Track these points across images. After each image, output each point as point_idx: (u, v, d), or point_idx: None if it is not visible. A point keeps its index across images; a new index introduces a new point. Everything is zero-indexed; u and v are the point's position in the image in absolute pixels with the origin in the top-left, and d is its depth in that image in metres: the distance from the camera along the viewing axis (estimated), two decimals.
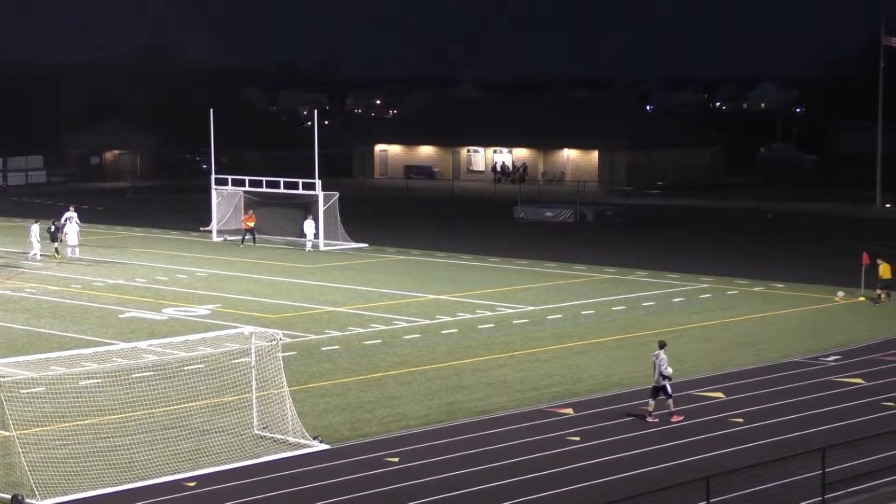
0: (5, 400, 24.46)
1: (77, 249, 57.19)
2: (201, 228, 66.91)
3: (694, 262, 55.28)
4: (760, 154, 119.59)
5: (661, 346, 29.21)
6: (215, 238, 64.60)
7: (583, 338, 38.75)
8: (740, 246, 62.93)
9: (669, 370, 28.79)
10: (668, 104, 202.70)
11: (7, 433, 24.97)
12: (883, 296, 44.82)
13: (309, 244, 60.75)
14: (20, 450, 24.14)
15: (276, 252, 59.84)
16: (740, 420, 28.63)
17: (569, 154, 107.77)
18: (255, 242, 61.93)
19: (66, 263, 55.24)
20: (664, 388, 28.69)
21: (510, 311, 43.44)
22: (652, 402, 28.80)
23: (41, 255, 56.22)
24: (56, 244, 56.84)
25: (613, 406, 30.14)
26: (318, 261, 56.94)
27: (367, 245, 61.63)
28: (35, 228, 56.94)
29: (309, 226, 60.93)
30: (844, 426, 28.01)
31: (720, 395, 31.07)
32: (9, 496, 23.24)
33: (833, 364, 34.92)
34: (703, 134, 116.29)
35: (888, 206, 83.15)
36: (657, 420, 28.59)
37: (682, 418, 28.65)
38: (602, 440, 27.16)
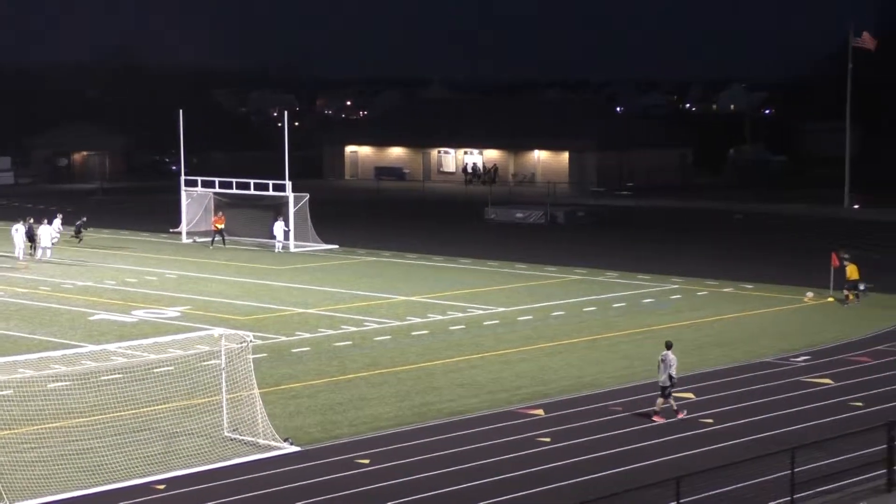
0: None
1: (49, 251, 56.75)
2: (171, 230, 66.66)
3: (664, 263, 55.44)
4: (730, 155, 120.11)
5: (668, 346, 29.24)
6: (185, 240, 64.39)
7: (553, 339, 38.80)
8: (710, 247, 63.16)
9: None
10: (638, 106, 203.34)
11: None
12: (851, 296, 45.07)
13: (279, 246, 60.59)
14: None
15: (246, 253, 59.67)
16: (710, 420, 28.73)
17: (539, 155, 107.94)
18: (224, 244, 61.72)
19: (35, 265, 54.91)
20: (667, 388, 28.77)
21: (481, 312, 43.46)
22: (661, 401, 28.90)
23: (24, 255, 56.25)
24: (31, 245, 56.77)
25: (584, 407, 30.18)
26: (289, 262, 56.82)
27: (337, 246, 61.55)
28: (20, 229, 56.97)
29: (279, 227, 60.77)
30: (813, 426, 28.15)
31: (690, 395, 31.16)
32: None
33: (802, 364, 35.08)
34: (673, 135, 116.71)
35: (856, 206, 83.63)
36: (664, 420, 28.67)
37: (664, 420, 28.73)
38: (573, 441, 27.19)
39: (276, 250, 60.07)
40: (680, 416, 28.86)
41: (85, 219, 63.49)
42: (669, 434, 27.68)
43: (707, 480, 22.46)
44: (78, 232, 62.40)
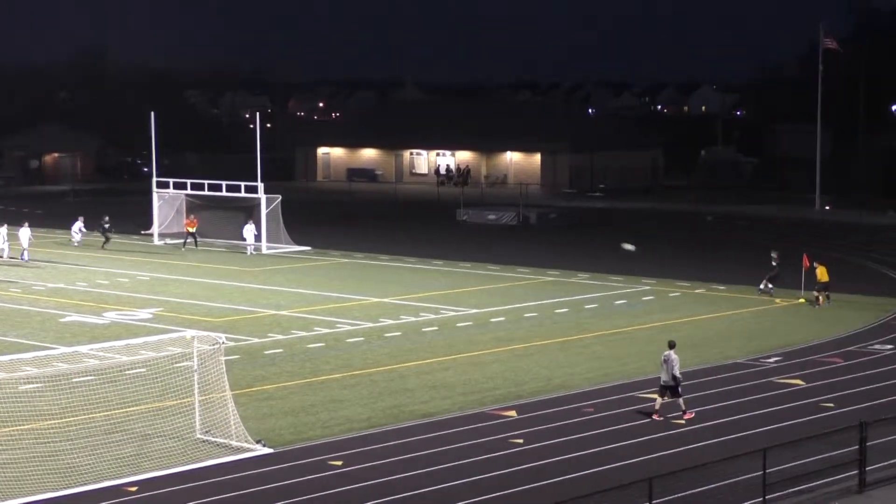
0: None
1: (26, 253, 56.35)
2: (142, 232, 66.45)
3: (636, 264, 55.59)
4: (701, 157, 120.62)
5: (671, 346, 29.29)
6: (157, 241, 64.19)
7: (526, 340, 38.87)
8: (682, 248, 63.42)
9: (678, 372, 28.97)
10: (610, 107, 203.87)
11: None
12: (821, 298, 45.32)
13: (250, 248, 60.42)
14: None
15: (218, 255, 59.53)
16: (682, 421, 28.82)
17: (511, 157, 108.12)
18: (196, 246, 61.57)
19: (7, 266, 54.67)
20: (674, 388, 28.84)
21: (453, 313, 43.49)
22: (659, 400, 28.99)
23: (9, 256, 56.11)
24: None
25: (557, 408, 30.24)
26: (261, 264, 56.73)
27: (310, 248, 61.49)
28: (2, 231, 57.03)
29: (248, 231, 60.56)
30: (785, 427, 28.29)
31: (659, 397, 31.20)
32: None
33: (774, 365, 35.25)
34: (645, 137, 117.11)
35: (827, 208, 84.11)
36: (662, 419, 28.76)
37: (692, 415, 28.81)
38: (546, 442, 27.24)
39: (248, 253, 59.91)
40: (687, 416, 28.86)
41: (107, 218, 62.85)
42: (642, 435, 27.77)
43: (679, 481, 22.58)
44: (104, 233, 62.23)
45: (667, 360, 28.96)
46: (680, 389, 29.04)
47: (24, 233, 56.54)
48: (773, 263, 47.61)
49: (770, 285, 47.50)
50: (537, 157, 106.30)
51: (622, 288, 49.40)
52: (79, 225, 62.47)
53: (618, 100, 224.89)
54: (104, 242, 61.73)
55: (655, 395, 29.51)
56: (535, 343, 38.48)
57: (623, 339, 39.07)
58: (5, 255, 56.23)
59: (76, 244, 61.83)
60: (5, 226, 57.70)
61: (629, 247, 54.49)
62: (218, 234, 63.35)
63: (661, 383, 29.16)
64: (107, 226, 62.34)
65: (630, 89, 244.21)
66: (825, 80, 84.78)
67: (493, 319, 42.49)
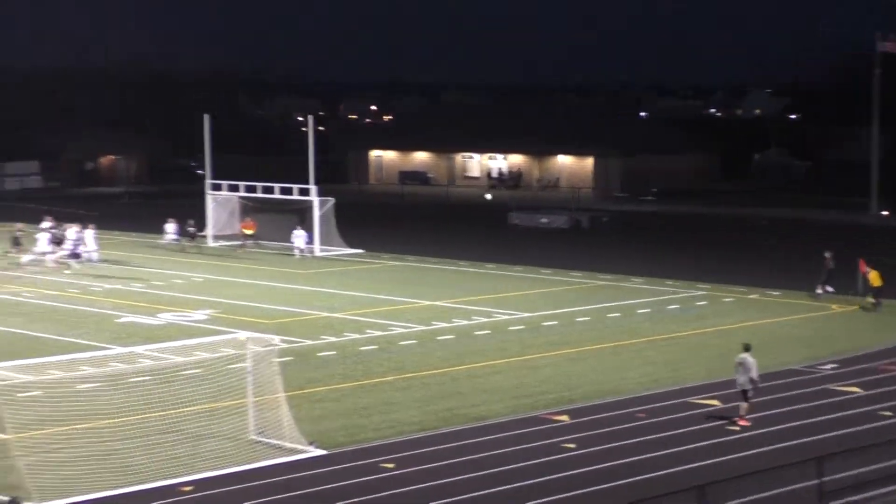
0: (3, 403, 24.47)
1: (50, 256, 56.39)
2: (197, 234, 66.89)
3: (689, 268, 55.32)
4: (754, 161, 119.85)
5: (747, 349, 29.10)
6: (211, 243, 64.60)
7: (578, 345, 38.79)
8: (735, 253, 63.03)
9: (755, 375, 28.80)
10: (662, 110, 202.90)
11: (5, 436, 24.96)
12: (874, 303, 44.91)
13: (297, 253, 60.29)
14: (18, 453, 24.13)
15: (272, 258, 59.83)
16: (737, 428, 28.65)
17: (564, 160, 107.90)
18: (250, 248, 61.93)
19: (66, 268, 55.18)
20: (744, 392, 28.69)
21: (506, 317, 43.47)
22: (744, 405, 28.81)
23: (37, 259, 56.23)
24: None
25: (609, 413, 30.15)
26: (314, 266, 56.95)
27: (362, 251, 61.65)
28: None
29: (297, 236, 60.49)
30: (842, 435, 28.02)
31: (716, 402, 31.08)
32: (7, 498, 23.25)
33: (830, 372, 34.94)
34: (698, 140, 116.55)
35: (884, 213, 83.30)
36: (749, 423, 28.59)
37: (748, 423, 28.66)
38: (597, 447, 27.16)
39: (297, 256, 59.78)
40: (742, 423, 28.66)
41: (192, 221, 63.01)
42: (695, 441, 27.62)
43: (733, 488, 22.44)
44: (194, 238, 62.54)
45: (743, 364, 28.73)
46: (750, 394, 28.79)
47: (89, 234, 56.91)
48: (827, 265, 47.15)
49: (829, 287, 46.92)
50: (589, 161, 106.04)
51: (675, 292, 49.17)
52: (172, 227, 62.02)
53: (670, 103, 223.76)
54: (190, 244, 61.85)
55: (714, 402, 29.31)
56: (588, 347, 38.38)
57: (676, 344, 38.89)
58: (95, 258, 56.07)
59: (169, 244, 61.67)
60: (78, 227, 57.76)
61: (488, 196, 54.37)
62: (272, 236, 63.64)
63: (739, 387, 28.86)
64: (192, 229, 62.41)
65: (682, 92, 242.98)
66: (882, 82, 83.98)
67: (545, 323, 42.43)
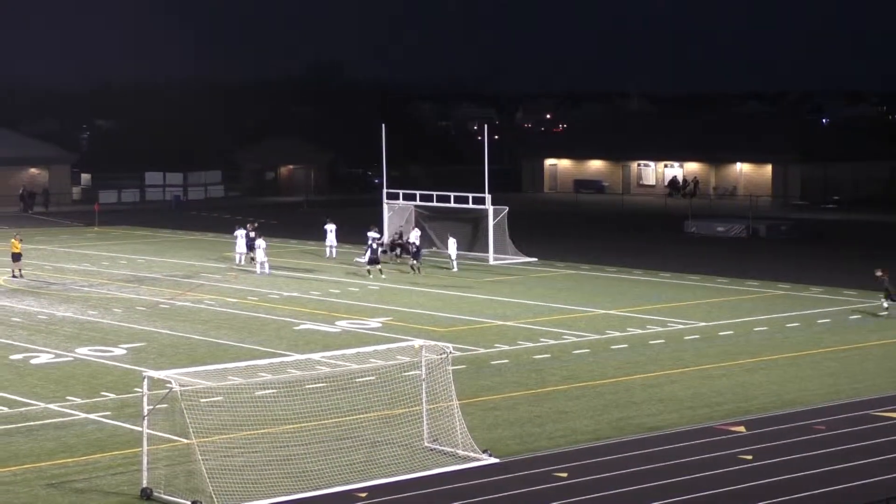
0: (186, 409, 25.17)
1: (266, 265, 57.37)
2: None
3: (872, 278, 53.81)
4: None
5: None
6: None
7: (755, 355, 38.15)
8: None
9: None
10: (845, 116, 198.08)
11: (188, 441, 25.68)
12: None
13: (454, 264, 58.87)
14: (200, 457, 24.81)
15: (445, 266, 60.20)
16: None
17: (741, 168, 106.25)
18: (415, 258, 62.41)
19: (245, 275, 56.49)
20: None
21: (681, 326, 43.01)
22: None
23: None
24: (252, 253, 58.25)
25: (787, 424, 29.59)
26: (487, 275, 57.17)
27: (536, 259, 61.66)
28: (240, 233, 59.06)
29: (452, 245, 59.24)
30: None
31: None
32: (189, 502, 23.91)
33: None
34: (881, 147, 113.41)
35: None
36: None
37: None
38: (775, 459, 26.67)
39: (453, 269, 58.72)
40: None
41: (401, 229, 62.43)
42: (879, 454, 26.89)
43: None
44: (406, 250, 60.96)
45: None
46: None
47: (259, 244, 58.00)
48: None
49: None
50: (768, 169, 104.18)
51: (857, 302, 47.97)
52: (373, 235, 58.89)
53: (852, 109, 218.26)
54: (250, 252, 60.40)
55: (895, 415, 28.53)
56: (765, 357, 37.73)
57: (857, 355, 37.94)
58: (266, 268, 57.04)
59: (367, 259, 57.95)
60: (242, 229, 59.64)
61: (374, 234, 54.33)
62: (445, 245, 63.97)
63: None
64: (375, 245, 59.62)
65: (865, 98, 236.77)
66: None
67: (721, 333, 41.84)
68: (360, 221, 66.76)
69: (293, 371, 32.05)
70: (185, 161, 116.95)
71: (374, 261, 55.75)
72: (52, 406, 31.78)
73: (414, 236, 60.59)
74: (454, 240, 59.91)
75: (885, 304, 45.05)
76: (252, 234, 59.04)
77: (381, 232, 61.21)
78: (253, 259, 57.88)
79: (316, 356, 33.03)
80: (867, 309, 46.22)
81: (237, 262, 59.97)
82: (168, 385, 24.64)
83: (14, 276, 55.62)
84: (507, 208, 62.40)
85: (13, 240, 56.51)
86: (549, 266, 59.83)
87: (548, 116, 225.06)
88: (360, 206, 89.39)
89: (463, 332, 41.99)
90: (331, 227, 62.30)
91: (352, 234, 65.94)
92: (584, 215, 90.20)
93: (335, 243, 62.29)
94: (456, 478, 25.57)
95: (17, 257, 55.83)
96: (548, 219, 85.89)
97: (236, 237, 60.70)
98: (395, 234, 63.25)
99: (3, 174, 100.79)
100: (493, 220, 61.49)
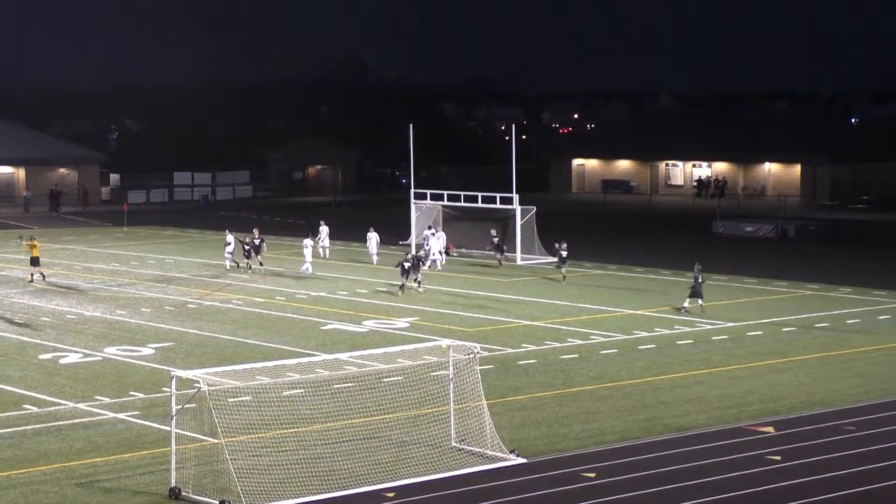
0: (214, 408, 25.24)
1: (309, 266, 56.98)
2: (400, 243, 67.77)
3: None
4: None
5: None
6: (415, 252, 65.29)
7: (784, 355, 38.00)
8: None
9: None
10: (874, 116, 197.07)
11: (216, 440, 25.76)
12: None
13: (375, 259, 59.54)
14: (228, 457, 24.88)
15: (472, 266, 60.23)
16: None
17: (770, 168, 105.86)
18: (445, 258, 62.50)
19: (270, 276, 56.58)
20: None
21: (709, 327, 42.87)
22: None
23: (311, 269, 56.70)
24: (249, 260, 57.62)
25: (816, 425, 29.47)
26: (515, 275, 57.14)
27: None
28: (308, 242, 57.49)
29: (371, 238, 59.83)
30: None
31: None
32: (216, 501, 23.99)
33: None
34: None
35: None
36: None
37: None
38: (804, 459, 26.57)
39: (374, 263, 58.61)
40: None
41: (494, 232, 61.17)
42: None
43: None
44: (501, 250, 60.19)
45: None
46: None
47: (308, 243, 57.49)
48: None
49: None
50: (797, 169, 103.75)
51: (887, 303, 47.72)
52: (434, 236, 58.86)
53: (882, 109, 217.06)
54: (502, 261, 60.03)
55: None
56: (794, 358, 37.57)
57: (887, 355, 37.74)
58: (309, 268, 56.54)
59: (435, 264, 58.46)
60: (308, 238, 57.96)
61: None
62: (473, 245, 64.07)
63: None
64: (497, 243, 60.05)
65: (895, 98, 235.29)
66: None
67: (749, 333, 41.70)
68: (397, 231, 66.71)
69: (321, 371, 32.14)
70: (213, 161, 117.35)
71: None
72: (80, 406, 31.94)
73: (437, 243, 59.89)
74: (375, 234, 60.12)
75: None
76: (257, 241, 57.77)
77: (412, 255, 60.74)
78: (251, 267, 57.18)
79: (343, 356, 33.12)
80: None
81: (228, 266, 58.30)
82: (196, 385, 24.71)
83: (31, 281, 53.83)
84: (535, 208, 62.35)
85: (25, 243, 55.20)
86: (577, 266, 59.69)
87: (575, 116, 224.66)
88: (390, 206, 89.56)
89: (490, 333, 41.98)
90: (373, 235, 61.64)
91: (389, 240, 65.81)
92: (612, 215, 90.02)
93: (376, 251, 61.35)
94: (483, 478, 25.56)
95: (35, 261, 54.08)
96: (576, 219, 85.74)
97: (229, 242, 58.70)
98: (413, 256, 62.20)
99: (32, 175, 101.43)
100: (521, 220, 61.44)
